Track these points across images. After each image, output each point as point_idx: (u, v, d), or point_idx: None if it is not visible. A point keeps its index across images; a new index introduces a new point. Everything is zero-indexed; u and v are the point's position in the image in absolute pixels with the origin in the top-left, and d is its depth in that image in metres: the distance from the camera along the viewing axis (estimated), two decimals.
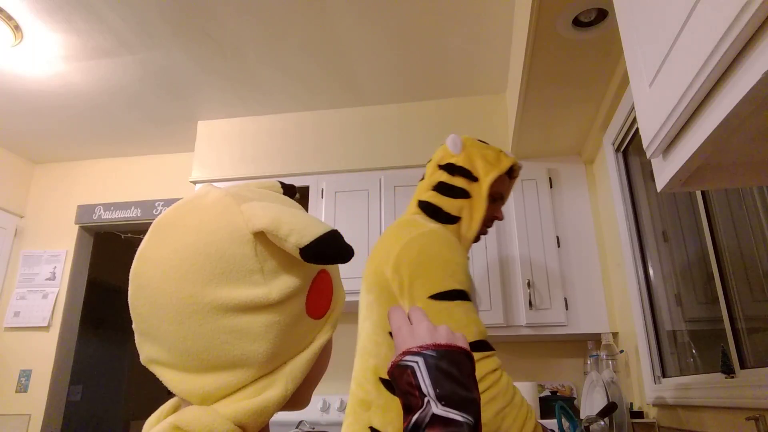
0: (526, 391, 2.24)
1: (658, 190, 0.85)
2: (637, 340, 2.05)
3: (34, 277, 3.26)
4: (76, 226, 3.36)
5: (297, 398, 0.56)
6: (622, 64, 1.86)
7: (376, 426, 1.18)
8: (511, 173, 1.48)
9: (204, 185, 0.57)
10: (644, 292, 2.04)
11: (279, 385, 0.51)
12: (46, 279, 3.25)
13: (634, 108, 1.10)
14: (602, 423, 1.82)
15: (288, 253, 0.51)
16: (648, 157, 0.84)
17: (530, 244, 2.44)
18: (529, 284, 2.38)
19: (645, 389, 1.98)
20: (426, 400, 0.51)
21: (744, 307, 1.37)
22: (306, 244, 0.48)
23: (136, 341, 0.53)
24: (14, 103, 2.85)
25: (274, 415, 0.54)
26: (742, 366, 1.36)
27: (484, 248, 2.47)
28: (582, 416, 2.12)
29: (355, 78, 2.65)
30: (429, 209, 1.39)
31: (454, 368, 0.55)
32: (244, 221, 0.50)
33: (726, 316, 1.41)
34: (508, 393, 1.10)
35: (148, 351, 0.51)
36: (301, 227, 0.49)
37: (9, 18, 2.19)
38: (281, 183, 0.63)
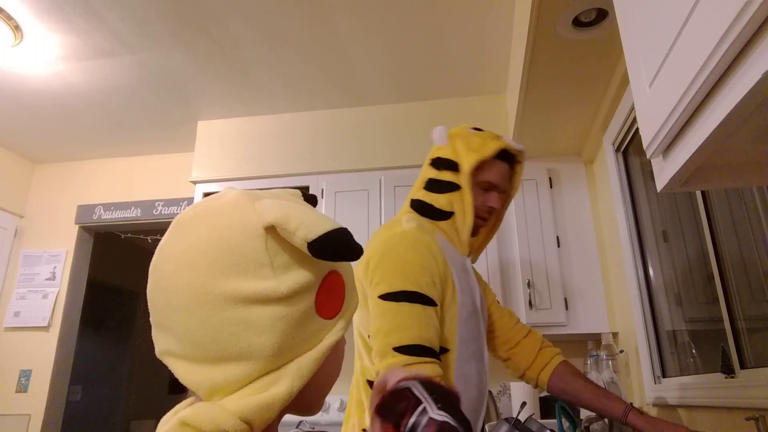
0: (526, 391, 2.24)
1: (658, 190, 0.84)
2: (637, 340, 2.05)
3: (34, 277, 3.26)
4: (76, 226, 3.36)
5: (308, 402, 0.57)
6: (622, 64, 1.86)
7: (368, 426, 1.18)
8: (512, 160, 1.42)
9: (225, 188, 0.58)
10: (644, 292, 2.04)
11: (285, 382, 0.51)
12: (46, 279, 3.24)
13: (634, 108, 1.10)
14: (602, 423, 1.82)
15: (299, 250, 0.52)
16: (648, 157, 0.84)
17: (530, 244, 2.44)
18: (529, 284, 2.38)
19: (645, 389, 1.98)
20: (423, 406, 0.52)
21: (744, 307, 1.37)
22: (313, 238, 0.50)
23: (153, 334, 0.54)
24: (14, 103, 2.85)
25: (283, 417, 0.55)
26: (742, 366, 1.36)
27: (484, 248, 2.46)
28: (582, 416, 2.12)
29: (355, 78, 2.65)
30: (421, 207, 1.37)
31: (446, 395, 0.55)
32: (256, 216, 0.52)
33: (726, 316, 1.41)
34: None
35: (162, 343, 0.53)
36: (309, 222, 0.51)
37: (9, 18, 2.19)
38: (303, 193, 0.64)
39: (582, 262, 2.43)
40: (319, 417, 2.53)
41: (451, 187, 1.35)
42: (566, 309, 2.34)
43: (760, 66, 0.54)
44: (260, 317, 0.50)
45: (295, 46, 2.40)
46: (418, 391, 0.53)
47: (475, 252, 1.50)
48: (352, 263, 0.65)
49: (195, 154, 2.99)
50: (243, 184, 2.86)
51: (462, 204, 1.34)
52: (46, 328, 3.15)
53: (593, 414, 1.89)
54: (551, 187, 2.55)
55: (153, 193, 3.34)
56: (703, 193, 1.51)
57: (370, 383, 1.21)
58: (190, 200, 3.21)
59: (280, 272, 0.51)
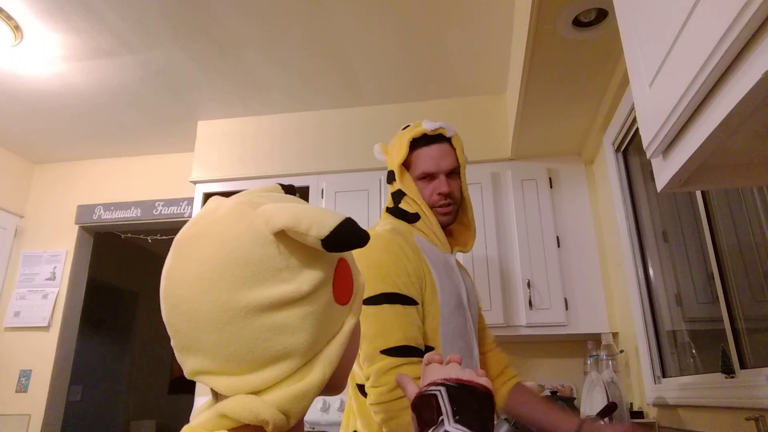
0: None
1: (658, 190, 0.85)
2: (637, 340, 2.05)
3: (34, 277, 3.26)
4: (76, 226, 3.36)
5: (334, 382, 0.59)
6: (622, 64, 1.86)
7: (358, 429, 1.19)
8: (438, 140, 1.37)
9: (212, 198, 0.60)
10: (644, 292, 2.04)
11: (318, 370, 0.53)
12: (46, 279, 3.25)
13: (634, 108, 1.10)
14: (602, 423, 1.82)
15: (307, 247, 0.54)
16: (648, 157, 0.84)
17: (530, 244, 2.44)
18: (529, 284, 2.38)
19: (645, 389, 1.98)
20: (441, 418, 0.54)
21: (744, 307, 1.37)
22: (326, 234, 0.51)
23: (178, 358, 0.54)
24: (14, 103, 2.85)
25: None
26: (742, 366, 1.36)
27: (484, 248, 2.47)
28: (582, 416, 2.12)
29: (355, 78, 2.65)
30: (396, 212, 1.40)
31: (474, 401, 0.58)
32: (263, 224, 0.53)
33: (726, 316, 1.41)
34: None
35: (192, 364, 0.53)
36: (319, 220, 0.52)
37: (9, 18, 2.19)
38: (281, 185, 0.66)
39: (582, 262, 2.43)
40: (319, 417, 2.53)
41: (402, 194, 1.38)
42: (566, 309, 2.34)
43: (760, 66, 0.54)
44: (289, 319, 0.52)
45: (295, 46, 2.40)
46: (443, 400, 0.55)
47: (461, 244, 1.47)
48: None
49: (195, 154, 2.99)
50: (243, 184, 2.86)
51: (416, 204, 1.36)
52: (46, 328, 3.15)
53: (593, 414, 1.89)
54: (551, 187, 2.55)
55: (153, 193, 3.34)
56: (703, 193, 1.51)
57: (360, 387, 1.21)
58: (190, 200, 3.21)
59: (297, 272, 0.53)
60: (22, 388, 3.06)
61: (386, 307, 1.16)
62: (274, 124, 2.97)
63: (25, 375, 3.08)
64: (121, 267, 4.80)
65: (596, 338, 2.34)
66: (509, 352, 2.57)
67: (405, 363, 1.11)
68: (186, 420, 4.65)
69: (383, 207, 1.48)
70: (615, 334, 2.34)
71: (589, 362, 2.29)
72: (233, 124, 3.01)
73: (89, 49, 2.41)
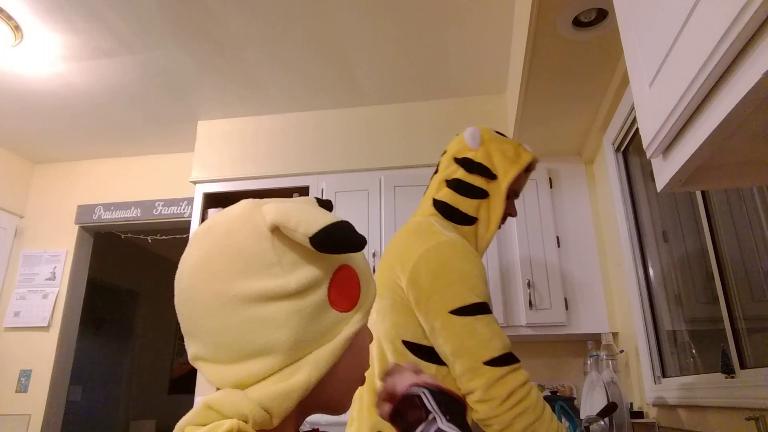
0: None
1: (658, 190, 0.85)
2: (637, 340, 2.05)
3: (34, 277, 3.26)
4: (76, 226, 3.36)
5: (333, 397, 0.59)
6: (622, 64, 1.86)
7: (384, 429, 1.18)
8: (528, 168, 1.42)
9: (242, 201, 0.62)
10: (644, 292, 2.04)
11: (303, 372, 0.54)
12: (46, 279, 3.24)
13: (634, 108, 1.10)
14: (602, 423, 1.82)
15: (305, 248, 0.54)
16: (648, 157, 0.84)
17: (530, 244, 2.44)
18: (529, 284, 2.38)
19: (645, 389, 1.98)
20: (431, 416, 0.54)
21: (744, 307, 1.37)
22: (314, 232, 0.52)
23: (185, 342, 0.58)
24: (14, 103, 2.85)
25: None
26: (742, 366, 1.36)
27: None
28: (582, 416, 2.12)
29: (355, 78, 2.65)
30: (446, 210, 1.33)
31: (454, 407, 0.58)
32: (261, 219, 0.55)
33: (726, 316, 1.41)
34: (538, 407, 1.08)
35: (192, 349, 0.57)
36: (309, 218, 0.53)
37: (9, 18, 2.19)
38: (317, 199, 0.66)
39: (582, 262, 2.43)
40: (318, 417, 2.53)
41: (481, 193, 1.33)
42: (566, 309, 2.34)
43: (760, 66, 0.54)
44: (275, 313, 0.53)
45: (295, 46, 2.40)
46: (428, 400, 0.55)
47: None
48: (371, 261, 0.66)
49: (195, 154, 2.99)
50: (243, 184, 2.86)
51: (488, 212, 1.33)
52: (46, 328, 3.15)
53: (593, 414, 1.89)
54: (551, 187, 2.55)
55: (153, 193, 3.34)
56: (703, 193, 1.51)
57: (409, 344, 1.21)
58: (190, 200, 3.21)
59: (289, 269, 0.54)
60: (22, 388, 3.06)
61: (481, 318, 1.13)
62: (274, 124, 2.97)
63: (25, 375, 3.08)
64: (121, 267, 4.80)
65: (596, 338, 2.34)
66: None
67: (510, 371, 1.09)
68: None
69: (429, 196, 1.40)
70: (615, 334, 2.34)
71: (589, 362, 2.29)
72: (233, 124, 3.01)
73: (89, 49, 2.41)
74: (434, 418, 0.54)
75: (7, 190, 3.35)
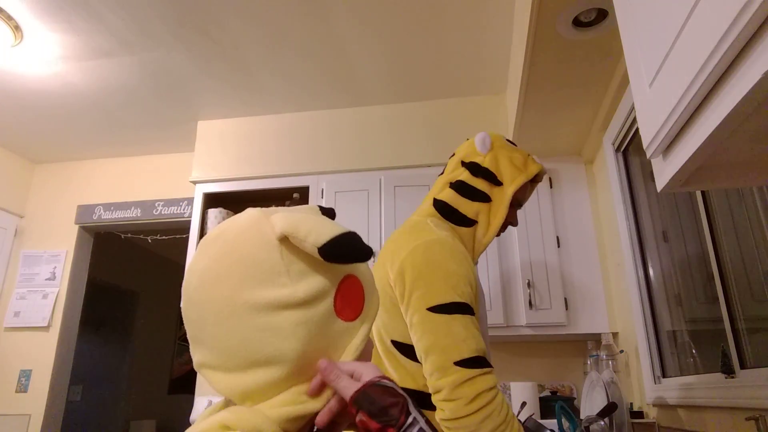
0: (527, 391, 2.24)
1: (658, 190, 0.85)
2: (637, 340, 2.05)
3: (34, 277, 3.26)
4: (76, 226, 3.36)
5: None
6: (622, 64, 1.86)
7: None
8: (534, 179, 1.43)
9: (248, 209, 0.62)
10: (644, 292, 2.04)
11: (322, 397, 0.56)
12: (46, 279, 3.24)
13: (634, 108, 1.10)
14: (602, 423, 1.82)
15: (313, 258, 0.55)
16: (648, 157, 0.84)
17: (530, 244, 2.44)
18: (529, 284, 2.38)
19: (645, 389, 1.98)
20: (413, 417, 0.53)
21: (744, 307, 1.37)
22: (323, 243, 0.53)
23: (190, 349, 0.59)
24: (14, 103, 2.85)
25: None
26: (742, 366, 1.36)
27: None
28: (582, 416, 2.12)
29: (355, 78, 2.65)
30: (445, 209, 1.34)
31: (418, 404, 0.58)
32: (271, 229, 0.56)
33: (726, 316, 1.41)
34: (502, 411, 1.08)
35: (198, 356, 0.57)
36: (318, 229, 0.54)
37: (9, 18, 2.19)
38: (320, 207, 0.67)
39: (582, 262, 2.43)
40: None
41: (483, 197, 1.34)
42: (566, 309, 2.34)
43: (760, 66, 0.54)
44: (282, 322, 0.53)
45: (295, 46, 2.40)
46: (400, 390, 0.55)
47: None
48: (371, 266, 0.66)
49: (195, 154, 2.99)
50: (243, 184, 2.86)
51: (488, 216, 1.33)
52: (46, 328, 3.15)
53: (593, 414, 1.89)
54: (551, 187, 2.55)
55: (153, 193, 3.34)
56: (703, 193, 1.51)
57: (396, 344, 1.22)
58: (190, 200, 3.21)
59: (296, 279, 0.54)
60: (22, 388, 3.06)
61: (458, 317, 1.13)
62: (274, 124, 2.97)
63: (25, 375, 3.08)
64: (121, 267, 4.80)
65: (596, 338, 2.34)
66: (509, 352, 2.58)
67: (479, 374, 1.09)
68: (186, 420, 4.66)
69: (430, 196, 1.40)
70: (615, 334, 2.34)
71: (589, 362, 2.29)
72: (233, 124, 3.01)
73: (89, 49, 2.41)
74: (416, 419, 0.54)
75: (7, 190, 3.35)
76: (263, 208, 0.61)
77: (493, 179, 1.34)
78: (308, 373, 0.55)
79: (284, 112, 2.97)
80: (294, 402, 0.54)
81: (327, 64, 2.53)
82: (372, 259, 1.29)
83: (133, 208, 3.31)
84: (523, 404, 2.17)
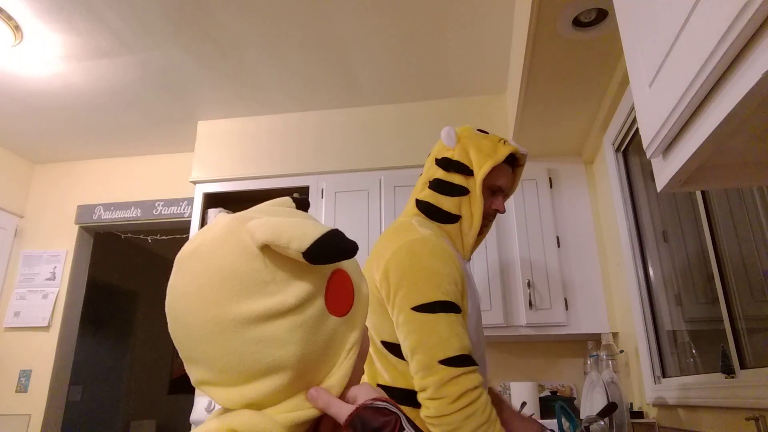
0: (526, 391, 2.24)
1: (658, 190, 0.85)
2: (637, 340, 2.05)
3: (34, 277, 3.26)
4: (76, 226, 3.35)
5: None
6: (622, 64, 1.86)
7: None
8: (515, 162, 1.42)
9: (217, 215, 0.60)
10: (644, 292, 2.04)
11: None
12: (46, 279, 3.24)
13: (634, 108, 1.10)
14: (602, 423, 1.82)
15: (297, 261, 0.54)
16: (648, 157, 0.84)
17: (530, 244, 2.44)
18: (529, 284, 2.38)
19: (645, 389, 1.98)
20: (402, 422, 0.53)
21: (744, 307, 1.37)
22: (307, 247, 0.51)
23: (185, 367, 0.57)
24: (14, 103, 2.85)
25: None
26: (742, 366, 1.36)
27: (485, 248, 2.47)
28: (582, 416, 2.12)
29: (355, 78, 2.65)
30: (428, 209, 1.35)
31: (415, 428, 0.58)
32: (249, 238, 0.54)
33: (726, 316, 1.41)
34: (486, 411, 1.09)
35: (195, 374, 0.56)
36: (299, 233, 0.52)
37: (9, 18, 2.19)
38: (293, 198, 0.67)
39: (582, 262, 2.43)
40: None
41: (461, 190, 1.34)
42: (566, 309, 2.34)
43: (760, 66, 0.54)
44: (277, 331, 0.52)
45: (295, 46, 2.40)
46: (395, 409, 0.54)
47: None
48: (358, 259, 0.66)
49: (195, 154, 2.99)
50: (243, 184, 2.86)
51: (470, 208, 1.33)
52: (46, 328, 3.15)
53: (593, 414, 1.89)
54: (551, 187, 2.55)
55: (153, 193, 3.34)
56: (703, 193, 1.51)
57: (381, 387, 1.21)
58: (190, 200, 3.21)
59: (284, 285, 0.53)
60: (22, 388, 3.06)
61: (442, 315, 1.13)
62: (274, 124, 2.97)
63: (25, 375, 3.08)
64: (121, 267, 4.79)
65: (596, 338, 2.34)
66: (509, 352, 2.58)
67: (464, 372, 1.10)
68: (186, 420, 4.65)
69: (413, 197, 1.42)
70: (615, 334, 2.34)
71: (589, 362, 2.29)
72: (233, 124, 3.01)
73: (89, 49, 2.41)
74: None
75: (7, 190, 3.35)
76: (236, 214, 0.59)
77: (466, 170, 1.35)
78: (311, 375, 0.55)
79: (285, 112, 2.97)
80: (302, 407, 0.54)
81: (327, 63, 2.53)
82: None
83: (133, 208, 3.31)
84: (523, 404, 2.17)
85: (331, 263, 0.54)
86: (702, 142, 0.68)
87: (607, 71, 1.93)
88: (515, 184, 1.46)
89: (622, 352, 2.23)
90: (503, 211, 1.39)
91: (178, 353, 0.57)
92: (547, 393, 2.45)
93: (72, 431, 4.18)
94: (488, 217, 1.39)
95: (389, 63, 2.53)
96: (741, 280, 1.38)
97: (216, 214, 2.80)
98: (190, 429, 2.66)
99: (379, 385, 1.22)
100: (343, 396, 0.58)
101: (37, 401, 3.02)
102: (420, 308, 1.14)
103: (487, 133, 1.43)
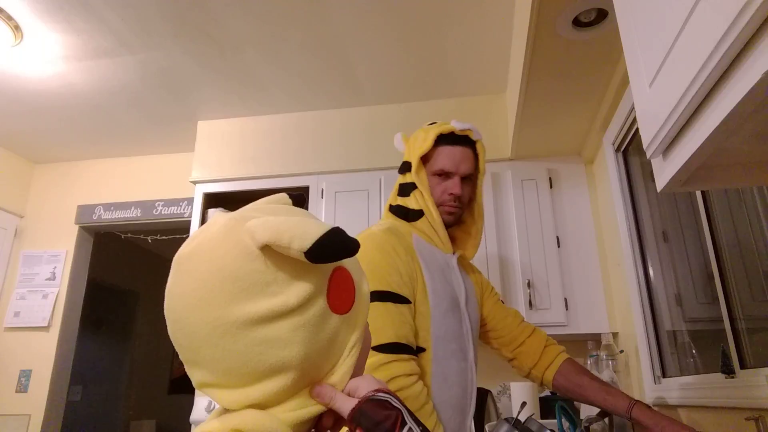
0: (526, 391, 2.24)
1: (658, 190, 0.84)
2: (637, 340, 2.05)
3: (34, 277, 3.26)
4: (76, 226, 3.36)
5: None
6: (622, 64, 1.86)
7: None
8: (464, 141, 1.39)
9: (215, 214, 0.60)
10: (644, 292, 2.04)
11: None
12: (46, 279, 3.24)
13: (634, 108, 1.10)
14: (602, 423, 1.82)
15: (298, 261, 0.53)
16: (648, 157, 0.84)
17: (530, 244, 2.44)
18: (529, 284, 2.38)
19: (645, 389, 1.98)
20: (408, 427, 0.53)
21: (744, 307, 1.37)
22: (308, 247, 0.51)
23: (186, 370, 0.56)
24: (14, 103, 2.85)
25: None
26: (742, 366, 1.36)
27: (485, 248, 2.47)
28: (582, 416, 2.12)
29: (355, 78, 2.65)
30: (399, 212, 1.41)
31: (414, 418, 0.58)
32: (249, 238, 0.53)
33: (726, 316, 1.41)
34: (419, 400, 1.11)
35: (197, 377, 0.55)
36: (300, 233, 0.51)
37: (9, 18, 2.19)
38: (289, 194, 0.66)
39: (582, 262, 2.43)
40: None
41: (412, 186, 1.39)
42: (566, 309, 2.34)
43: (760, 66, 0.54)
44: (280, 332, 0.52)
45: (295, 46, 2.40)
46: (397, 403, 0.54)
47: (468, 248, 1.48)
48: None
49: (195, 154, 2.99)
50: (243, 184, 2.86)
51: (423, 199, 1.37)
52: (46, 328, 3.15)
53: (593, 414, 1.89)
54: (551, 187, 2.55)
55: (153, 193, 3.34)
56: (703, 193, 1.51)
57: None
58: (190, 200, 3.21)
59: (286, 285, 0.53)
60: (22, 388, 3.06)
61: (378, 305, 1.17)
62: (274, 124, 2.97)
63: (25, 375, 3.08)
64: (121, 267, 4.80)
65: (596, 338, 2.34)
66: None
67: (395, 360, 1.13)
68: (186, 420, 4.65)
69: (386, 203, 1.49)
70: (615, 334, 2.34)
71: (589, 362, 2.29)
72: (233, 124, 3.01)
73: (89, 49, 2.41)
74: (410, 429, 0.54)
75: (7, 190, 3.35)
76: (233, 214, 0.58)
77: (409, 167, 1.41)
78: (314, 373, 0.55)
79: (284, 112, 2.97)
80: (306, 405, 0.54)
81: (327, 63, 2.53)
82: None
83: (133, 208, 3.31)
84: (523, 404, 2.16)
85: (333, 262, 0.54)
86: (702, 142, 0.68)
87: (607, 71, 1.93)
88: (479, 163, 1.43)
89: (622, 352, 2.23)
90: (459, 193, 1.36)
91: (178, 353, 0.57)
92: (547, 393, 2.45)
93: (72, 431, 4.18)
94: (448, 204, 1.37)
95: (389, 63, 2.53)
96: (741, 280, 1.38)
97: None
98: (190, 429, 2.65)
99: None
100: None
101: (37, 401, 3.02)
102: None
103: (431, 125, 1.47)
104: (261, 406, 0.53)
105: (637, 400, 1.30)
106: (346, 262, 0.60)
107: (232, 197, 2.96)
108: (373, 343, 1.12)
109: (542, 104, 2.13)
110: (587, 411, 2.12)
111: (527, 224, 2.48)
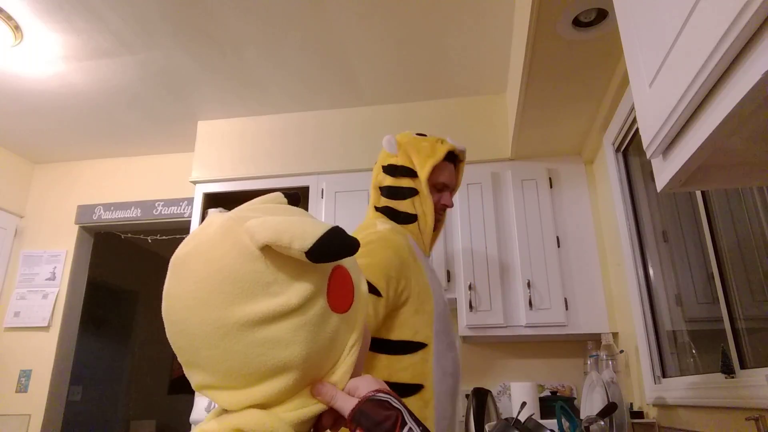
0: (526, 391, 2.24)
1: (658, 190, 0.85)
2: (637, 340, 2.05)
3: (34, 277, 3.26)
4: (76, 226, 3.36)
5: None
6: (622, 64, 1.86)
7: None
8: (455, 159, 1.53)
9: (211, 214, 0.59)
10: (644, 292, 2.04)
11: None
12: (46, 279, 3.24)
13: (634, 108, 1.10)
14: (602, 423, 1.82)
15: (297, 260, 0.53)
16: (648, 157, 0.84)
17: (530, 244, 2.44)
18: (529, 284, 2.38)
19: (645, 389, 1.98)
20: (408, 427, 0.53)
21: (744, 307, 1.37)
22: (309, 247, 0.50)
23: (185, 372, 0.56)
24: (14, 103, 2.85)
25: None
26: (742, 366, 1.36)
27: (485, 248, 2.47)
28: (582, 416, 2.12)
29: (355, 78, 2.65)
30: (388, 213, 1.46)
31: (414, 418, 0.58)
32: (248, 239, 0.53)
33: (726, 316, 1.41)
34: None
35: (196, 379, 0.55)
36: (300, 232, 0.51)
37: (9, 18, 2.19)
38: (284, 194, 0.66)
39: (582, 262, 2.43)
40: None
41: (412, 192, 1.45)
42: (566, 309, 2.34)
43: (760, 66, 0.54)
44: (281, 332, 0.52)
45: (295, 46, 2.40)
46: (397, 403, 0.54)
47: (429, 250, 1.59)
48: None
49: (195, 154, 2.99)
50: (243, 184, 2.86)
51: (423, 206, 1.45)
52: (46, 328, 3.15)
53: (593, 414, 1.89)
54: (551, 187, 2.55)
55: (153, 193, 3.34)
56: (703, 193, 1.51)
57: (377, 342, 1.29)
58: (190, 200, 3.22)
59: (287, 286, 0.52)
60: (22, 388, 3.06)
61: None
62: (274, 124, 2.97)
63: (25, 375, 3.08)
64: (121, 267, 4.79)
65: (596, 338, 2.34)
66: (509, 352, 2.58)
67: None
68: (186, 420, 4.65)
69: (370, 203, 1.54)
70: (615, 334, 2.34)
71: (589, 362, 2.29)
72: (233, 124, 3.01)
73: (89, 49, 2.41)
74: (411, 429, 0.54)
75: (7, 190, 3.35)
76: (229, 214, 0.57)
77: (411, 173, 1.46)
78: (315, 373, 0.55)
79: (285, 112, 2.97)
80: (307, 404, 0.54)
81: (327, 63, 2.53)
82: None
83: (133, 208, 3.31)
84: (523, 404, 2.17)
85: (333, 261, 0.54)
86: (702, 142, 0.68)
87: (607, 71, 1.93)
88: (458, 179, 1.57)
89: (622, 352, 2.23)
90: (451, 206, 1.50)
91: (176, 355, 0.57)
92: (547, 393, 2.45)
93: (72, 431, 4.18)
94: (438, 212, 1.50)
95: (389, 63, 2.53)
96: (741, 280, 1.38)
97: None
98: (190, 429, 2.65)
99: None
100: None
101: (37, 401, 3.02)
102: None
103: (425, 135, 1.54)
104: (262, 406, 0.52)
105: None
106: (345, 262, 0.60)
107: (232, 197, 2.96)
108: None
109: (542, 104, 2.14)
110: (587, 411, 2.12)
111: (527, 224, 2.48)
